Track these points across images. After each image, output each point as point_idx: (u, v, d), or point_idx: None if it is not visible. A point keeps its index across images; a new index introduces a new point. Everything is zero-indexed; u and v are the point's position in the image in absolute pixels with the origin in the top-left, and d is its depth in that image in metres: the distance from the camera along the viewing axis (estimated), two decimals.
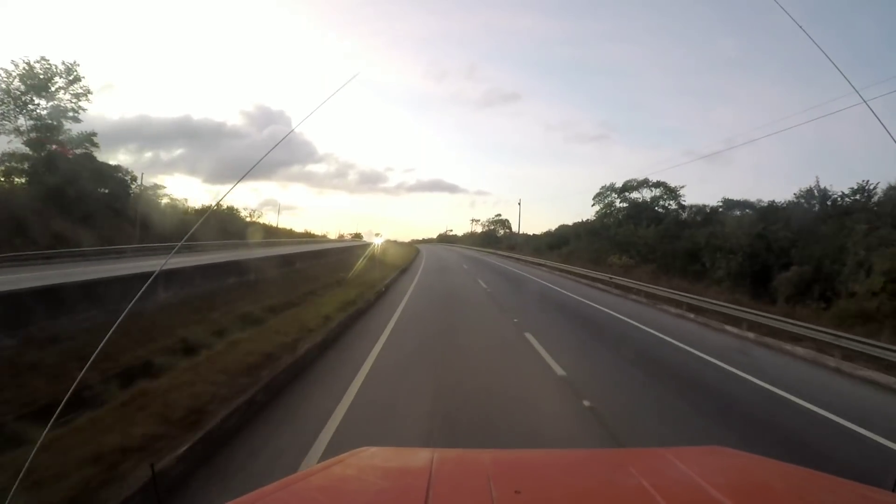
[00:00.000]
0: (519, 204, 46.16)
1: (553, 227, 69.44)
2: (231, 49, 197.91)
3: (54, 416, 1.12)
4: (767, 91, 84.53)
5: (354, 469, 1.29)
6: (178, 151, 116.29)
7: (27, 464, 1.01)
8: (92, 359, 1.16)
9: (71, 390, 1.12)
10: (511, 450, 2.16)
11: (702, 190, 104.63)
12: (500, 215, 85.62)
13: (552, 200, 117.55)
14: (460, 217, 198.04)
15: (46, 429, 1.11)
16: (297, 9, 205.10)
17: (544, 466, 1.44)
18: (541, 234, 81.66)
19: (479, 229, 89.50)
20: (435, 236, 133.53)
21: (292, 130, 4.10)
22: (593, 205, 49.11)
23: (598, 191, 46.22)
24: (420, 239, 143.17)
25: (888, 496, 1.21)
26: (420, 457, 1.43)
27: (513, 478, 1.21)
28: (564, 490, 1.19)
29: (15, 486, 1.09)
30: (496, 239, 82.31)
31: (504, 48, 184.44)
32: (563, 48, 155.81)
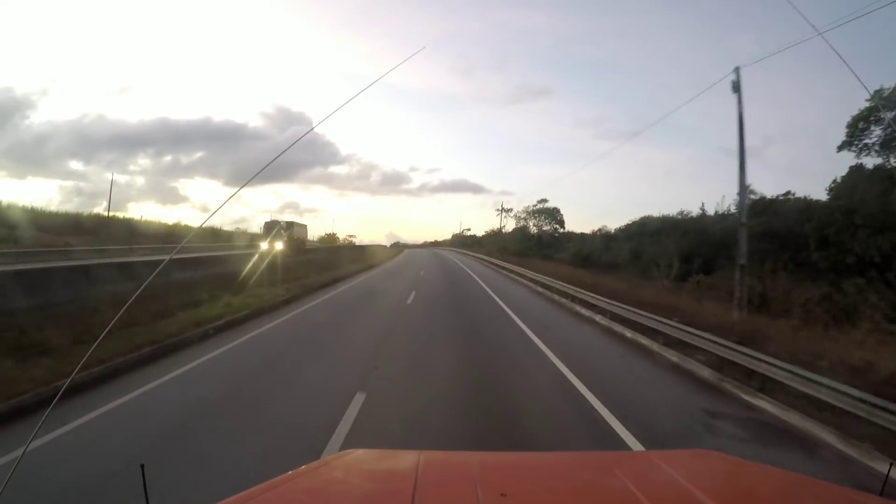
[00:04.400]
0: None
1: (619, 222, 41.34)
2: (249, 51, 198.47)
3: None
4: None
5: (341, 471, 1.30)
6: (199, 154, 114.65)
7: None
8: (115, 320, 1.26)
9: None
10: (497, 453, 2.28)
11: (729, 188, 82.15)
12: (545, 201, 54.72)
13: (586, 199, 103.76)
14: (484, 218, 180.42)
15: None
16: (312, 10, 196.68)
17: (530, 469, 1.44)
18: (606, 232, 52.21)
19: (510, 224, 58.69)
20: (449, 237, 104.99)
21: (306, 133, 2.57)
22: (843, 146, 19.35)
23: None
24: (431, 241, 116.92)
25: (875, 500, 1.21)
26: (406, 459, 1.39)
27: (499, 481, 1.22)
28: (550, 493, 1.19)
29: (6, 481, 0.96)
30: (538, 241, 51.85)
31: (527, 46, 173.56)
32: (586, 46, 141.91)
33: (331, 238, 75.56)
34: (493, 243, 53.26)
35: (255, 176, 1.61)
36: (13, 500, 2.51)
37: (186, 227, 45.94)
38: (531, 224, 56.66)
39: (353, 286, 15.77)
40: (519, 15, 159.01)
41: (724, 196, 30.20)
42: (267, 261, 14.54)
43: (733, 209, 36.93)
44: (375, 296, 13.36)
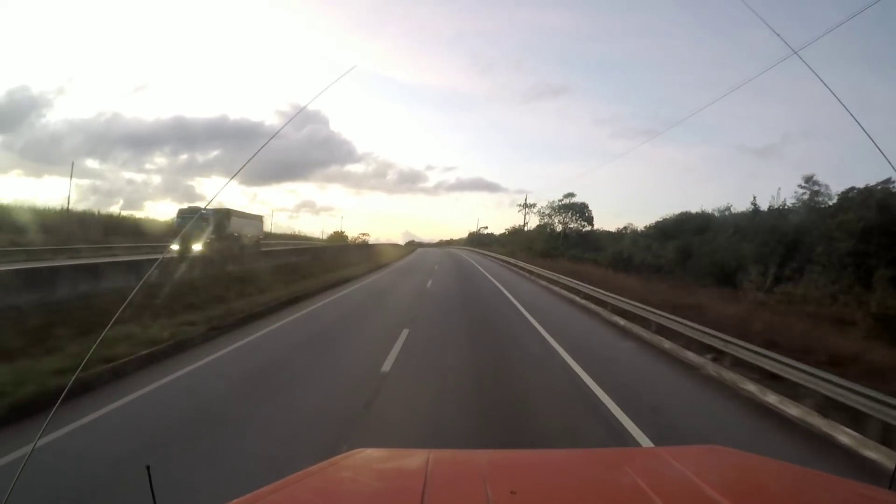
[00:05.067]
0: None
1: (636, 222, 35.60)
2: (264, 49, 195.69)
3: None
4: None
5: (350, 470, 1.27)
6: (215, 153, 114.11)
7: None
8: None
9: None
10: (507, 450, 2.17)
11: (754, 187, 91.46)
12: (572, 196, 48.46)
13: (604, 197, 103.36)
14: (500, 216, 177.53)
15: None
16: (327, 9, 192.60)
17: (540, 467, 1.41)
18: (633, 231, 47.21)
19: (534, 220, 52.43)
20: (465, 235, 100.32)
21: (296, 114, 1.76)
22: None
23: None
24: (446, 240, 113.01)
25: (885, 494, 1.17)
26: (415, 458, 1.36)
27: (508, 478, 1.19)
28: (560, 490, 1.17)
29: (14, 483, 0.90)
30: (564, 239, 46.02)
31: (543, 45, 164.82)
32: (603, 44, 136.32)
33: (338, 236, 70.85)
34: (515, 242, 47.40)
35: (241, 168, 1.70)
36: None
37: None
38: (556, 221, 50.65)
39: (308, 315, 9.84)
40: (535, 13, 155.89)
41: (779, 189, 24.67)
42: (187, 269, 9.18)
43: (790, 203, 30.54)
44: (330, 346, 7.33)
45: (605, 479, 1.26)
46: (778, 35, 2.21)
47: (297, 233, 66.42)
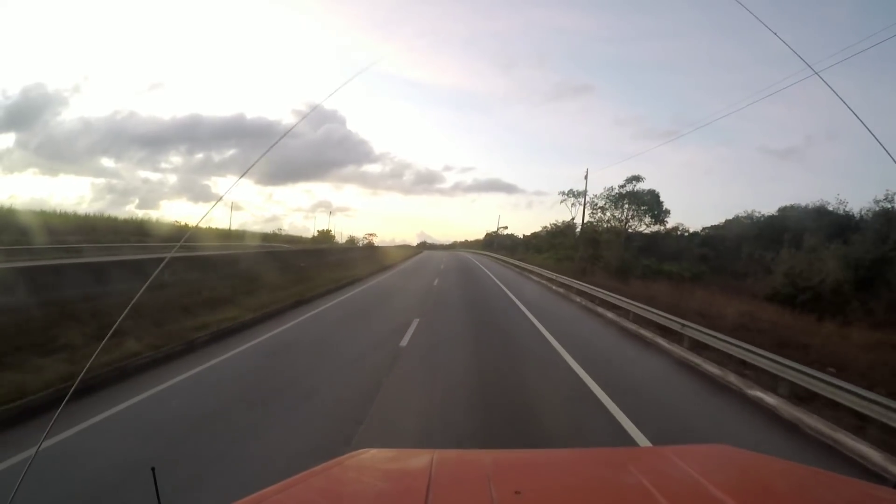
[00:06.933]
0: None
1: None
2: (281, 49, 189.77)
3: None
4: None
5: (354, 471, 1.26)
6: (231, 152, 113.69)
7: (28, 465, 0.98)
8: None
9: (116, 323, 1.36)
10: (511, 450, 2.17)
11: (771, 190, 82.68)
12: (639, 180, 34.47)
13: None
14: (516, 218, 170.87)
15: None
16: (344, 9, 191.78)
17: (544, 466, 1.40)
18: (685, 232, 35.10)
19: (579, 214, 38.57)
20: (482, 237, 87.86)
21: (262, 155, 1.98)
22: None
23: None
24: (461, 241, 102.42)
25: (891, 493, 1.16)
26: (420, 458, 1.35)
27: (513, 478, 1.18)
28: (565, 490, 1.17)
29: (18, 485, 0.91)
30: (626, 242, 32.75)
31: (562, 45, 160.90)
32: (623, 45, 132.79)
33: (324, 236, 58.90)
34: (560, 246, 33.95)
35: (252, 165, 1.72)
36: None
37: (177, 224, 36.13)
38: (609, 216, 36.97)
39: None
40: (553, 15, 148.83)
41: None
42: None
43: None
44: None
45: (610, 478, 1.24)
46: (797, 54, 2.58)
47: (276, 232, 54.57)
